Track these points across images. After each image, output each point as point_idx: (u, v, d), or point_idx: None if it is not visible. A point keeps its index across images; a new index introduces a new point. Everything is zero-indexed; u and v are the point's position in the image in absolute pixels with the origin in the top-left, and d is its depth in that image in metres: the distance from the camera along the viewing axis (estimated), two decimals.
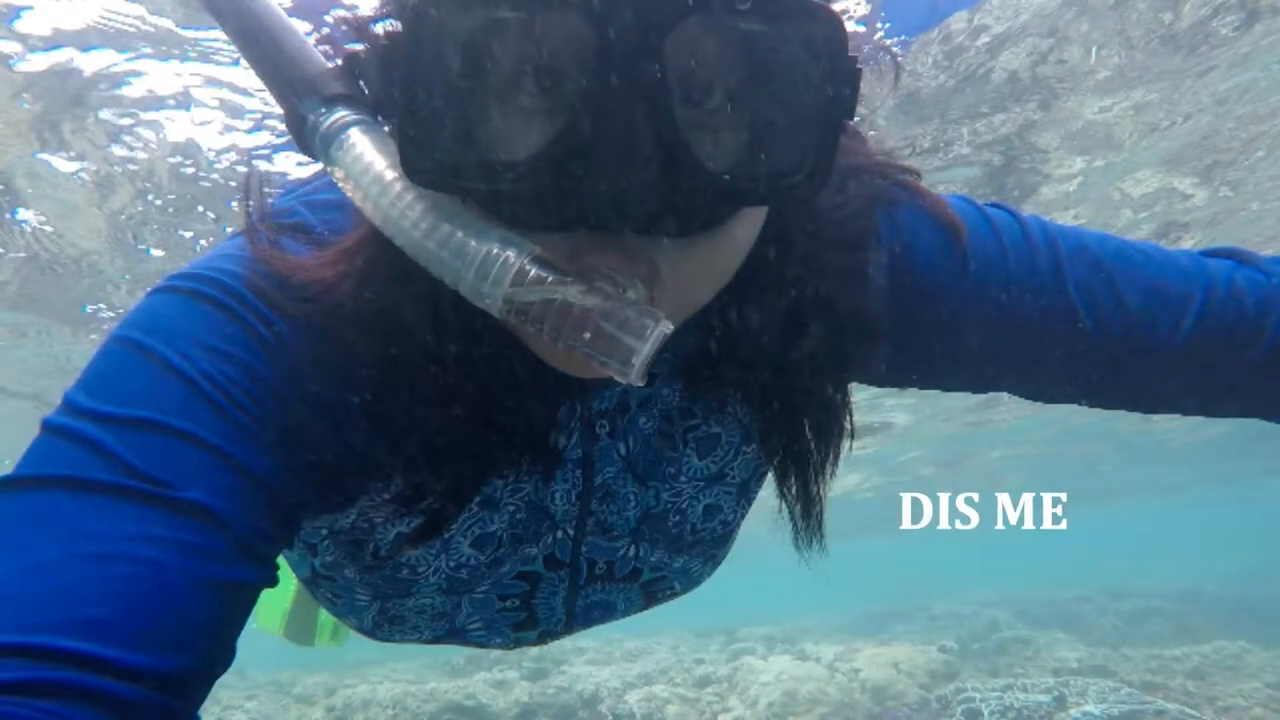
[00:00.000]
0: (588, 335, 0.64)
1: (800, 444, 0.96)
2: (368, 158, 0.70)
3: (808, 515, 1.00)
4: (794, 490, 0.99)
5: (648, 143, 0.61)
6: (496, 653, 9.96)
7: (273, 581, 0.75)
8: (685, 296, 0.73)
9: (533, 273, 0.64)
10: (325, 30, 0.80)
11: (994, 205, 0.99)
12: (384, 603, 1.07)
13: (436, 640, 1.18)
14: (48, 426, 0.71)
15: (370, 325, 0.78)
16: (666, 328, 0.64)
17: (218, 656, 0.69)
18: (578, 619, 1.16)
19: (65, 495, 0.65)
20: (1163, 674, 8.65)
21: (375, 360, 0.80)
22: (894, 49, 3.53)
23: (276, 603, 2.73)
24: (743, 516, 1.12)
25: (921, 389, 1.05)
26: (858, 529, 21.22)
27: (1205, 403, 1.00)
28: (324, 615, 2.75)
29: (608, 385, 0.90)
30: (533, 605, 1.10)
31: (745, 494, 1.09)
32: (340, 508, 0.92)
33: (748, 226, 0.73)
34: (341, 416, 0.81)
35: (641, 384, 0.65)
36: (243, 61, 0.81)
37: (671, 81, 0.63)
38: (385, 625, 1.12)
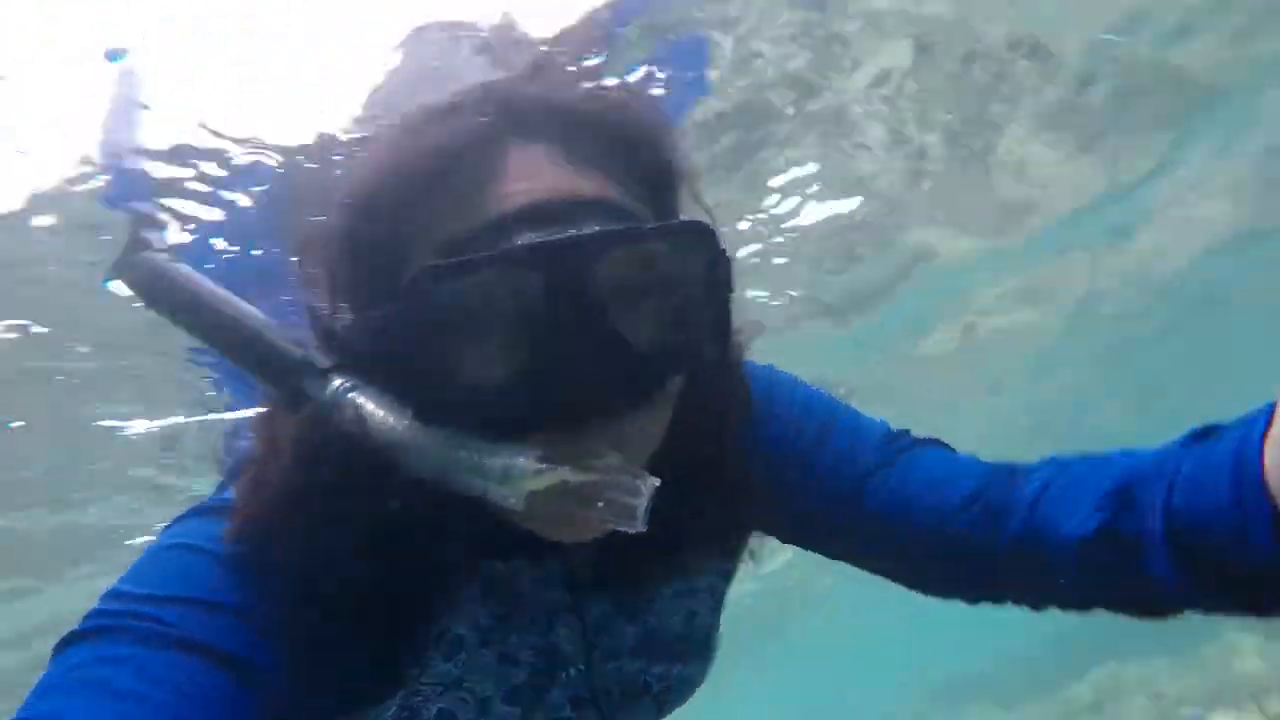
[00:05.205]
0: (601, 505, 0.79)
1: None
2: (380, 413, 0.85)
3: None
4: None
5: (599, 353, 0.79)
6: None
7: None
8: (644, 448, 0.91)
9: (542, 469, 0.79)
10: (310, 310, 0.97)
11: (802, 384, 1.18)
12: None
13: None
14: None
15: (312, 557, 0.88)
16: (654, 481, 0.80)
17: None
18: None
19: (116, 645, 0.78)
20: None
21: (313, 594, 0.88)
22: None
23: None
24: (719, 615, 1.25)
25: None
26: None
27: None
28: None
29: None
30: None
31: (714, 594, 1.22)
32: (375, 704, 1.00)
33: (675, 384, 0.92)
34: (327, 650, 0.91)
35: (644, 529, 0.80)
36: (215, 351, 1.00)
37: (606, 302, 0.81)
38: None
